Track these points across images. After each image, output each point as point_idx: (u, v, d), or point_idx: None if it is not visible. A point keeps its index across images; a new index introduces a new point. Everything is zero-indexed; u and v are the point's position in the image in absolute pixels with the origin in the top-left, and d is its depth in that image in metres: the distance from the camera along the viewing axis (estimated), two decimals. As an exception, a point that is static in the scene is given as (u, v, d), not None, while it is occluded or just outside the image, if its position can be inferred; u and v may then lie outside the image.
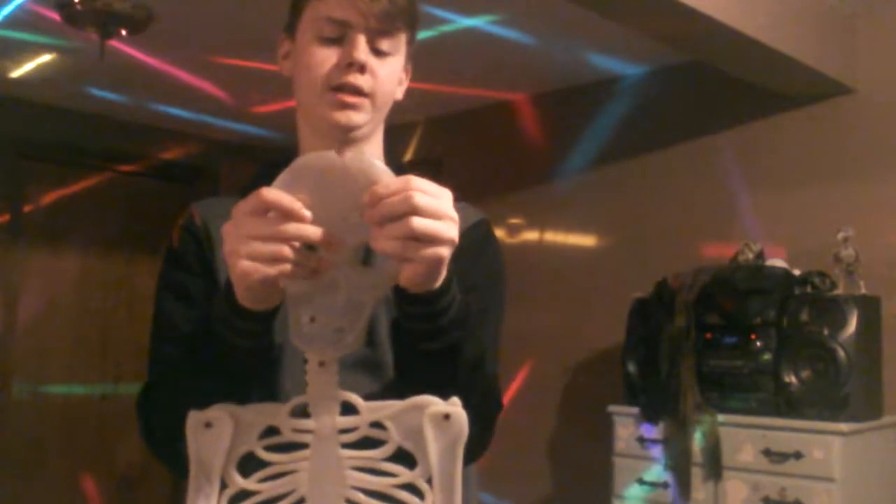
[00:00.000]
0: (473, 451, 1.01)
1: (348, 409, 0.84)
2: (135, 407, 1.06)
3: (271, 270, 0.79)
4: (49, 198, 4.46)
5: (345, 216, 0.80)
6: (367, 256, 0.85)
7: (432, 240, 0.79)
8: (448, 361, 0.93)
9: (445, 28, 3.18)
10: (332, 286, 0.82)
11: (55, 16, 2.99)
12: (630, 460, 2.91)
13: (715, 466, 2.67)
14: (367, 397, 0.91)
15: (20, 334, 4.27)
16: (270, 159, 1.20)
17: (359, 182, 0.79)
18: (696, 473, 2.72)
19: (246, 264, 0.80)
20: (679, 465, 2.74)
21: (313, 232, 0.80)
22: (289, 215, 0.79)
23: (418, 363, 0.94)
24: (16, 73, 3.82)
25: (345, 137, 1.11)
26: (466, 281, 1.06)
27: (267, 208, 0.79)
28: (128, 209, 4.68)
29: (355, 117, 1.09)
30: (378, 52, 1.10)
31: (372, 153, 1.16)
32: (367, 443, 0.83)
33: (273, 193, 0.79)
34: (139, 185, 4.75)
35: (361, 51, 1.07)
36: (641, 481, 2.86)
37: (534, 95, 3.99)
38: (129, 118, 4.47)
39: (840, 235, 2.78)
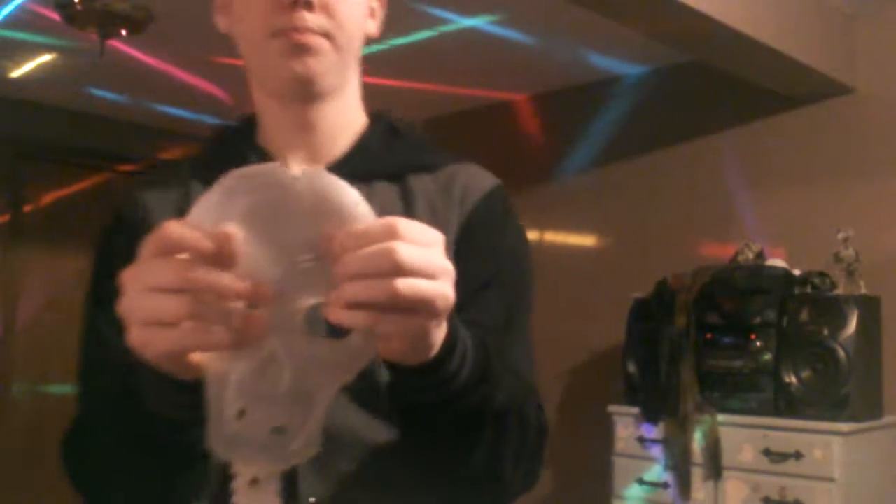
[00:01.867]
0: (525, 483, 0.85)
1: None
2: (59, 447, 0.85)
3: (173, 341, 0.56)
4: (49, 198, 4.46)
5: (294, 259, 0.58)
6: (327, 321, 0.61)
7: (422, 308, 0.58)
8: (468, 420, 0.75)
9: (445, 28, 3.18)
10: (272, 364, 0.59)
11: (55, 16, 2.99)
12: (630, 460, 2.91)
13: (715, 466, 2.67)
14: (366, 445, 0.77)
15: (20, 334, 4.27)
16: (233, 123, 0.99)
17: (316, 213, 0.58)
18: (696, 473, 2.72)
19: (140, 334, 0.57)
20: (679, 465, 2.74)
21: (233, 283, 0.55)
22: (203, 257, 0.55)
23: (431, 430, 0.75)
24: (16, 73, 3.81)
25: (306, 92, 0.87)
26: (487, 270, 0.89)
27: (174, 248, 0.56)
28: (128, 209, 4.68)
29: (314, 64, 0.84)
30: None
31: (346, 110, 0.93)
32: None
33: (179, 227, 0.56)
34: (139, 185, 4.75)
35: None
36: (641, 481, 2.86)
37: (534, 95, 3.99)
38: (129, 118, 4.47)
39: (840, 235, 2.78)
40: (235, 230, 0.56)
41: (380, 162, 0.93)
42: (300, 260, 0.58)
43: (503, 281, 0.90)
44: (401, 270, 0.56)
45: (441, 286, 0.59)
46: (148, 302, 0.56)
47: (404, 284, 0.56)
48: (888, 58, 3.01)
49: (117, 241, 0.90)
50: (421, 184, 0.93)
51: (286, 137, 0.91)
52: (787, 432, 2.57)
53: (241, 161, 0.85)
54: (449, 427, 0.74)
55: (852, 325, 2.59)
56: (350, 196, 0.59)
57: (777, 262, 2.93)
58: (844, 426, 2.49)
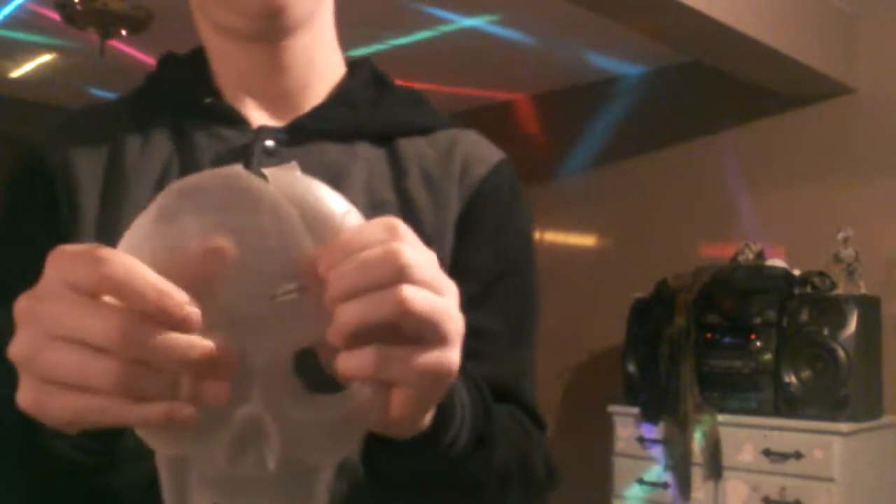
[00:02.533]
0: None
1: None
2: None
3: (87, 410, 0.41)
4: (49, 198, 4.47)
5: (268, 291, 0.43)
6: (313, 371, 0.46)
7: (431, 332, 0.44)
8: (462, 488, 0.61)
9: (445, 28, 3.18)
10: (254, 437, 0.44)
11: (55, 16, 2.99)
12: (630, 460, 2.91)
13: (715, 466, 2.67)
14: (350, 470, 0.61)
15: (20, 334, 4.27)
16: (179, 55, 0.79)
17: (292, 226, 0.44)
18: (696, 473, 2.72)
19: (38, 392, 0.41)
20: (679, 465, 2.74)
21: (191, 348, 0.40)
22: (145, 306, 0.40)
23: (416, 499, 0.61)
24: (16, 73, 3.81)
25: (268, 29, 0.69)
26: (495, 264, 0.73)
27: (109, 289, 0.40)
28: (128, 209, 4.68)
29: None
30: None
31: (319, 48, 0.75)
32: None
33: (120, 262, 0.40)
34: (139, 185, 4.75)
35: None
36: (641, 481, 2.86)
37: (534, 95, 3.99)
38: (129, 118, 4.47)
39: (840, 235, 2.78)
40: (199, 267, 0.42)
41: (364, 118, 0.76)
42: (278, 293, 0.43)
43: (513, 277, 0.74)
44: (406, 275, 0.42)
45: (447, 303, 0.45)
46: (59, 356, 0.40)
47: (413, 293, 0.42)
48: (888, 58, 3.01)
49: (23, 194, 0.71)
50: (413, 148, 0.76)
51: (244, 82, 0.74)
52: (787, 432, 2.57)
53: (193, 103, 0.73)
54: (438, 498, 0.59)
55: (852, 325, 2.59)
56: (336, 203, 0.45)
57: (777, 262, 2.93)
58: (844, 426, 2.49)
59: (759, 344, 2.72)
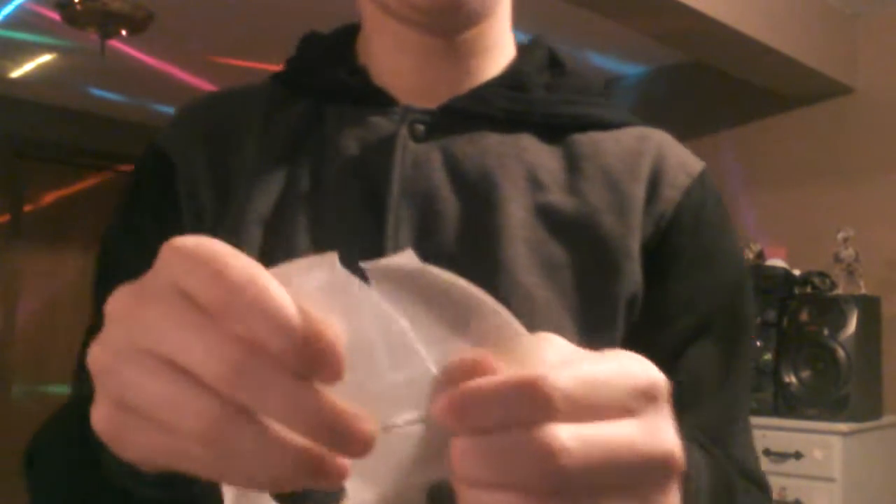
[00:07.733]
0: None
1: None
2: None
3: (170, 452, 0.31)
4: (49, 198, 4.46)
5: (389, 419, 0.35)
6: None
7: (623, 481, 0.32)
8: None
9: (445, 28, 3.18)
10: None
11: (55, 16, 2.99)
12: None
13: (715, 466, 2.67)
14: None
15: (20, 334, 4.27)
16: (322, 32, 0.71)
17: (403, 341, 0.33)
18: (696, 473, 2.72)
19: (115, 417, 0.32)
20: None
21: (329, 404, 0.30)
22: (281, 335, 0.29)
23: None
24: (16, 73, 3.82)
25: (448, 22, 0.62)
26: (706, 303, 0.61)
27: (249, 309, 0.29)
28: (128, 209, 4.68)
29: None
30: None
31: (493, 32, 0.68)
32: None
33: (271, 288, 0.29)
34: (139, 185, 4.75)
35: None
36: (641, 481, 2.86)
37: (534, 95, 3.99)
38: (129, 118, 4.47)
39: (840, 235, 2.78)
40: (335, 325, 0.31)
41: (535, 104, 0.64)
42: (397, 422, 0.34)
43: (731, 309, 0.63)
44: (553, 411, 0.30)
45: (646, 431, 0.32)
46: (143, 379, 0.30)
47: (569, 438, 0.30)
48: (888, 58, 3.01)
49: (143, 188, 0.65)
50: (591, 145, 0.64)
51: (398, 60, 0.65)
52: (787, 432, 2.57)
53: (334, 83, 0.64)
54: None
55: (852, 325, 2.59)
56: (461, 299, 0.34)
57: (777, 262, 2.93)
58: (844, 426, 2.49)
59: (759, 344, 2.72)
